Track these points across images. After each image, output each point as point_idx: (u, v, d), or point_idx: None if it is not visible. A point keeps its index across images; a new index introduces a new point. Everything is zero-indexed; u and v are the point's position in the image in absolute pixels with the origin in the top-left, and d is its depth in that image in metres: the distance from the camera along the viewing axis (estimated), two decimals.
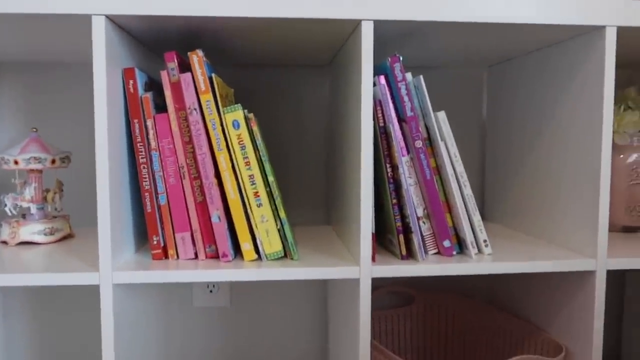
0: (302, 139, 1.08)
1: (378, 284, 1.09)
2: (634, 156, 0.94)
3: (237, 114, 0.72)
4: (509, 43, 0.85)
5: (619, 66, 1.08)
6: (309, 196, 1.09)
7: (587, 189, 0.76)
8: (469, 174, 1.13)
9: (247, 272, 0.68)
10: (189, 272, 0.68)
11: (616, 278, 1.17)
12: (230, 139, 0.72)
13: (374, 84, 0.76)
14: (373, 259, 0.73)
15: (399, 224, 0.74)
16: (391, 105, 0.75)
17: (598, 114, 0.73)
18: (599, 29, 0.72)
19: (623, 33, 0.75)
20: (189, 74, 0.72)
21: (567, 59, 0.81)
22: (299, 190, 1.09)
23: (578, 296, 0.78)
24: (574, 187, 0.79)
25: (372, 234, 0.71)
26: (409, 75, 0.75)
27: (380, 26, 0.72)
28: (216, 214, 0.72)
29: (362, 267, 0.70)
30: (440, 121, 0.75)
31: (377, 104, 0.74)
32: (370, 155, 0.69)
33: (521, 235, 0.93)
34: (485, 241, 0.77)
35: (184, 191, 0.73)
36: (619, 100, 1.02)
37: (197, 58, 0.72)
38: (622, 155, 0.95)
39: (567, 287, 0.81)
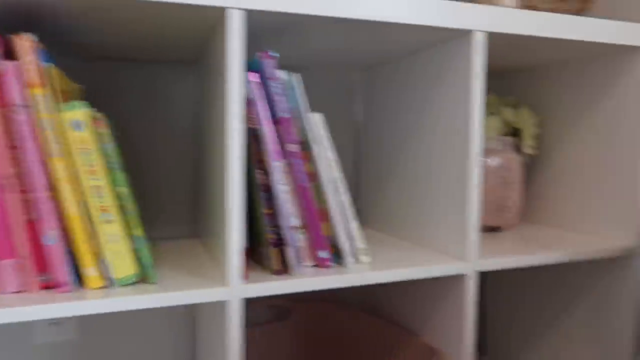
0: (166, 143, 0.97)
1: (251, 301, 1.02)
2: (496, 159, 0.99)
3: (78, 112, 0.60)
4: (382, 44, 0.83)
5: None
6: (175, 207, 0.98)
7: (457, 192, 0.76)
8: (344, 178, 1.11)
9: (91, 304, 0.57)
10: (11, 310, 0.54)
11: (479, 276, 1.23)
12: (69, 143, 0.60)
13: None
14: (245, 277, 0.65)
15: (271, 235, 0.67)
16: (263, 105, 0.68)
17: (465, 118, 0.74)
18: (467, 33, 0.73)
19: (489, 39, 0.77)
20: (16, 63, 0.59)
21: (437, 62, 0.81)
22: (163, 200, 0.97)
23: (450, 299, 0.79)
24: (445, 191, 0.79)
25: (245, 247, 0.63)
26: (283, 74, 0.70)
27: (251, 19, 0.65)
28: (51, 234, 0.59)
29: (231, 287, 0.63)
30: (317, 124, 0.70)
31: (248, 103, 0.67)
32: (240, 160, 0.62)
33: (396, 241, 0.92)
34: (363, 250, 0.74)
35: (7, 208, 0.59)
36: None
37: (26, 43, 0.59)
38: (487, 159, 0.99)
39: (440, 290, 0.81)
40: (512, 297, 1.14)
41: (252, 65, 0.70)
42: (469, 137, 0.74)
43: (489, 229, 1.00)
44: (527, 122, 1.01)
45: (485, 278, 1.23)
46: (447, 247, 0.79)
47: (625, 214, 0.89)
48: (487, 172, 0.98)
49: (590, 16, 1.02)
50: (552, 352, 1.04)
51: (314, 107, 1.07)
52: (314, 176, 0.71)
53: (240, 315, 0.63)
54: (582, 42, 0.80)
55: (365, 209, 1.08)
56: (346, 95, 1.09)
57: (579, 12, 0.93)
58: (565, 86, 1.00)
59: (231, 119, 0.61)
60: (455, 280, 0.77)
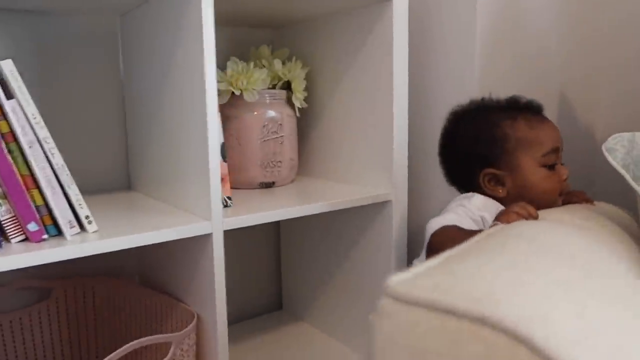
0: None
1: None
2: (265, 113, 0.96)
3: None
4: None
5: (253, 26, 1.09)
6: None
7: (198, 150, 0.72)
8: (110, 139, 0.99)
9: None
10: None
11: (272, 228, 1.23)
12: None
13: None
14: None
15: None
16: None
17: (200, 69, 0.69)
18: None
19: None
20: None
21: (174, 8, 0.74)
22: None
23: (201, 260, 0.75)
24: (189, 149, 0.74)
25: None
26: None
27: None
28: None
29: None
30: (7, 73, 0.59)
31: None
32: None
33: (156, 204, 0.85)
34: (87, 217, 0.66)
35: None
36: (252, 57, 1.04)
37: None
38: (256, 113, 0.96)
39: (192, 253, 0.77)
40: (304, 248, 1.15)
41: None
42: (205, 90, 0.69)
43: (263, 185, 0.98)
44: (298, 75, 1.00)
45: (278, 231, 1.23)
46: (195, 207, 0.75)
47: (383, 166, 0.93)
48: (256, 126, 0.95)
49: None
50: (337, 297, 1.08)
51: (67, 60, 0.93)
52: (10, 136, 0.60)
53: None
54: None
55: (135, 171, 0.99)
56: (102, 44, 0.97)
57: None
58: (331, 39, 1.00)
59: None
60: (203, 240, 0.74)
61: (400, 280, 0.36)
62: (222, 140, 0.80)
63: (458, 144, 0.80)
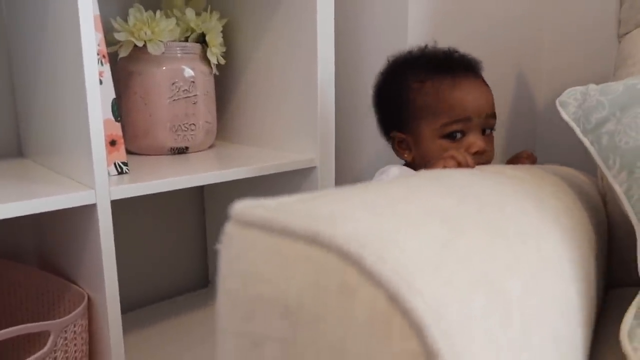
0: None
1: None
2: (174, 69, 0.85)
3: None
4: None
5: None
6: None
7: (77, 108, 0.61)
8: None
9: None
10: None
11: (197, 197, 1.13)
12: None
13: None
14: None
15: None
16: None
17: (73, 20, 0.57)
18: None
19: None
20: None
21: None
22: None
23: (88, 235, 0.65)
24: (69, 107, 0.63)
25: None
26: None
27: None
28: None
29: None
30: None
31: None
32: None
33: (46, 172, 0.74)
34: None
35: None
36: (164, 6, 0.92)
37: None
38: (164, 68, 0.84)
39: (78, 227, 0.67)
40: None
41: None
42: (80, 42, 0.58)
43: (175, 151, 0.88)
44: (213, 26, 0.89)
45: (203, 202, 1.13)
46: (79, 174, 0.65)
47: (308, 129, 0.84)
48: (164, 84, 0.84)
49: None
50: None
51: None
52: None
53: None
54: None
55: (24, 138, 0.86)
56: None
57: None
58: None
59: None
60: (86, 212, 0.63)
61: (249, 204, 0.31)
62: (113, 96, 0.69)
63: (378, 100, 0.75)
